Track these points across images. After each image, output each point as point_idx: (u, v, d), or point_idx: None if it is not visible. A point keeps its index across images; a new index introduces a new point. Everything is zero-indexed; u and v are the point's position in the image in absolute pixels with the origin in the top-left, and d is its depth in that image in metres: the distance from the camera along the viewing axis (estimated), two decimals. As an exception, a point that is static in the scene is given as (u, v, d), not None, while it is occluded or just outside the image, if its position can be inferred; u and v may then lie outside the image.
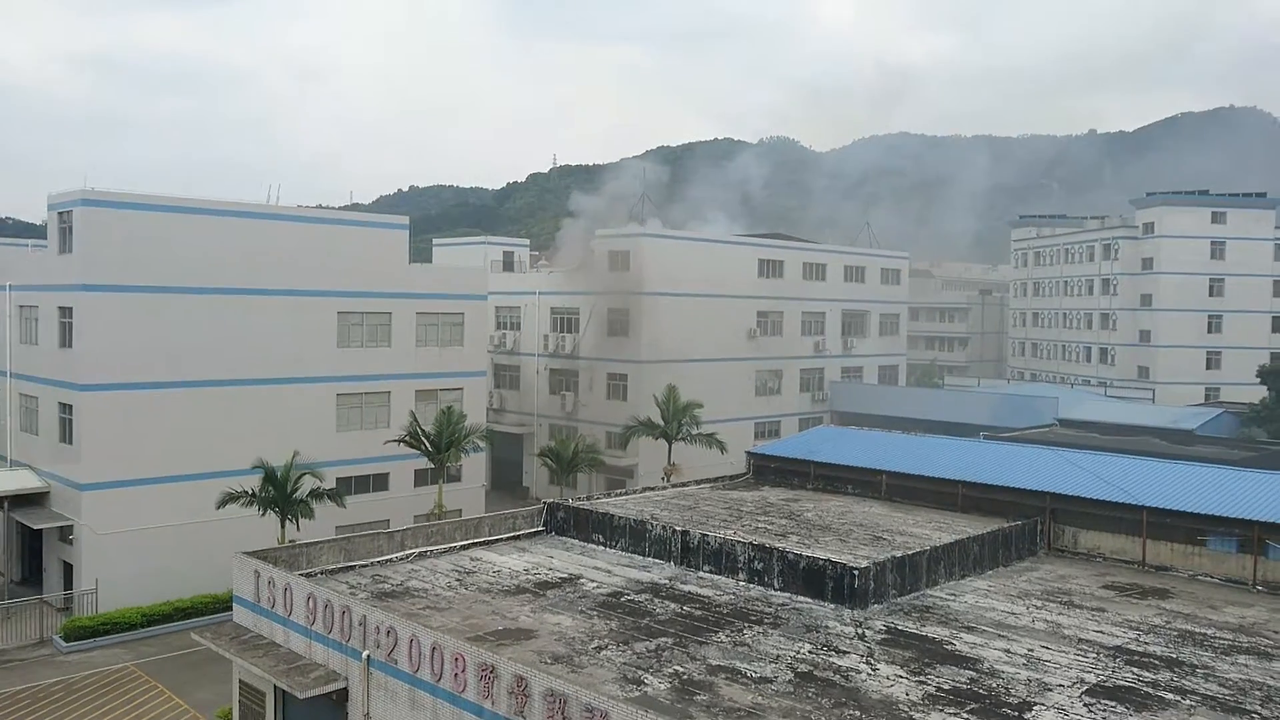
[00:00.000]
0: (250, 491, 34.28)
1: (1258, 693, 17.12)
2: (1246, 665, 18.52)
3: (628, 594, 22.97)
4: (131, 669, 31.93)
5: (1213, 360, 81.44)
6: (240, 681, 24.30)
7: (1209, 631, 20.64)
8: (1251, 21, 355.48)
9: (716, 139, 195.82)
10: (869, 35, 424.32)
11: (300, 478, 34.66)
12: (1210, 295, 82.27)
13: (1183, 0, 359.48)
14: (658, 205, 76.82)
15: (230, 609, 25.34)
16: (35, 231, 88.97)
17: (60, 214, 37.56)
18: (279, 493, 34.23)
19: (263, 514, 34.47)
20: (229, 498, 34.15)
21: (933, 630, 20.42)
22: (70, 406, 37.07)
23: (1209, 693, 17.10)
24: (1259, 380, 60.44)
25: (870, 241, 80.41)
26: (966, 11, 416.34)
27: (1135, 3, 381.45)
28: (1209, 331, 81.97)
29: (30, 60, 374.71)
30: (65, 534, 37.68)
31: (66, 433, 37.48)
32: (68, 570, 38.00)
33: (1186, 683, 17.55)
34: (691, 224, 76.26)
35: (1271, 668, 18.38)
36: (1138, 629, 20.69)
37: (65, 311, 37.38)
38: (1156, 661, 18.63)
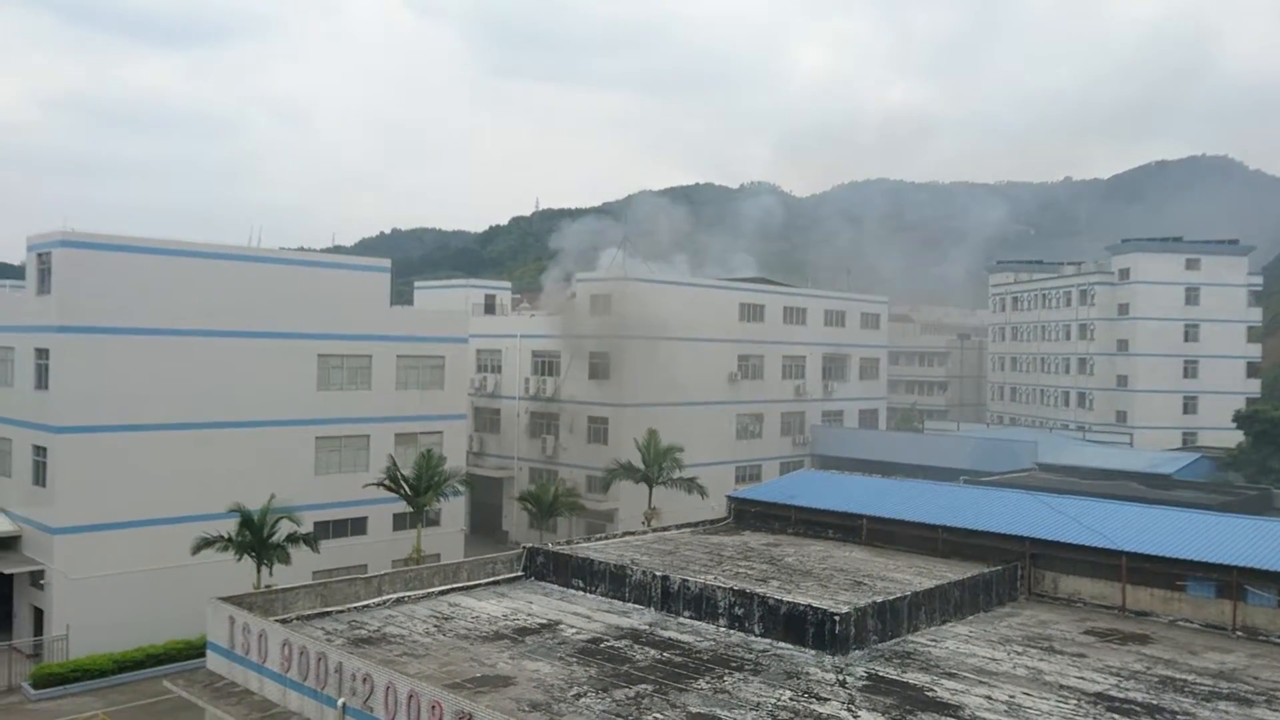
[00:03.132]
0: (226, 536, 33.89)
1: (1238, 740, 17.09)
2: (1227, 712, 18.49)
3: (607, 640, 22.79)
4: (102, 717, 31.26)
5: (1189, 405, 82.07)
6: (212, 730, 23.87)
7: (1189, 677, 20.63)
8: (1225, 73, 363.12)
9: (698, 184, 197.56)
10: (847, 84, 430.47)
11: (277, 521, 34.35)
12: (1186, 340, 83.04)
13: (1154, 52, 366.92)
14: (660, 245, 76.62)
15: (204, 655, 24.98)
16: (15, 273, 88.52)
17: (39, 255, 37.39)
18: (255, 537, 33.88)
19: (239, 559, 34.09)
20: (204, 542, 33.75)
21: (914, 677, 20.32)
22: (44, 449, 36.67)
23: (1190, 740, 17.06)
24: (1235, 425, 60.97)
25: (848, 286, 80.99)
26: (941, 61, 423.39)
27: (1108, 53, 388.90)
28: (1185, 376, 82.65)
29: (9, 99, 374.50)
30: (36, 579, 37.12)
31: (40, 475, 37.01)
32: (38, 616, 37.35)
33: (1167, 730, 17.50)
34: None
35: (1252, 714, 18.36)
36: (1118, 675, 20.66)
37: (42, 353, 37.08)
38: (1137, 708, 18.58)
